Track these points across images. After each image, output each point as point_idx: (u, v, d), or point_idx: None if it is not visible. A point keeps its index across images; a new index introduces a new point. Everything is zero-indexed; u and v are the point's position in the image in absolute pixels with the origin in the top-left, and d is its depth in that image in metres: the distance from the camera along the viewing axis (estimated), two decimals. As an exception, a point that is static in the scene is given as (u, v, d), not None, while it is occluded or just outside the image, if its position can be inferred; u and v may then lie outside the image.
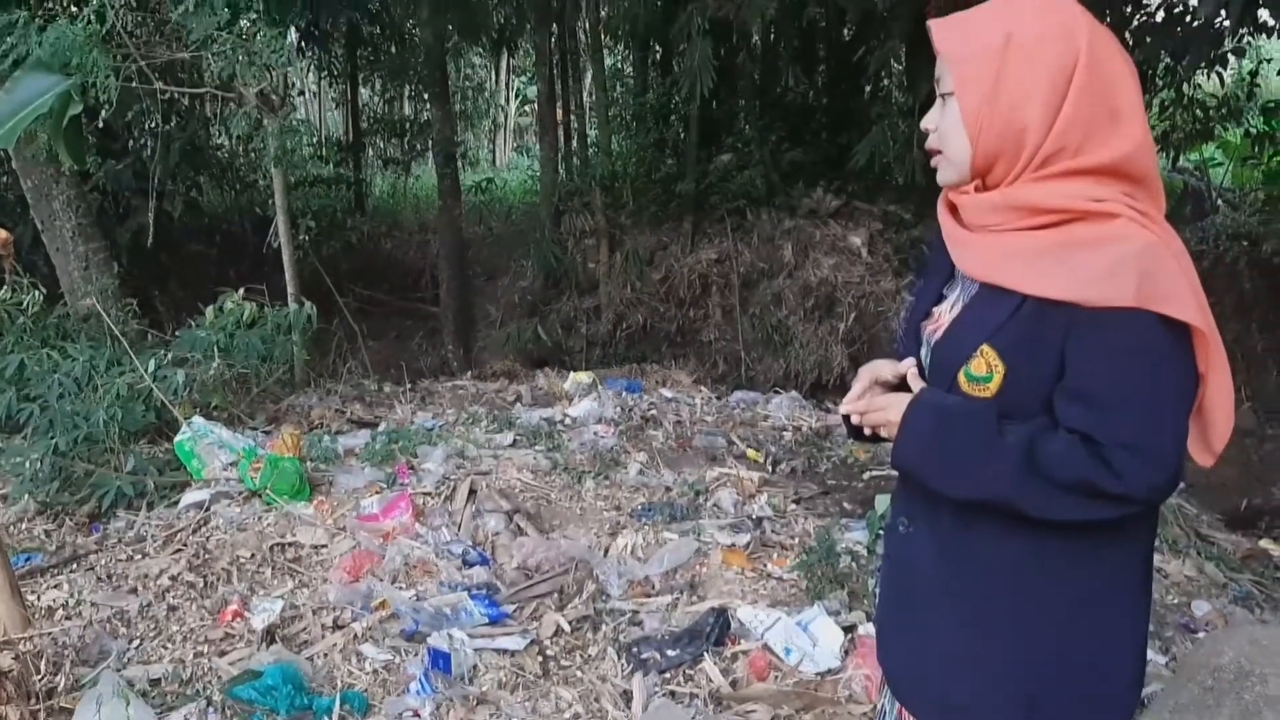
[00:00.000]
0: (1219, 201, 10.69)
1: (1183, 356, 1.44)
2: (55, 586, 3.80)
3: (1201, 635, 3.56)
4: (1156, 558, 4.34)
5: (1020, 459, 1.45)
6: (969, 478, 1.51)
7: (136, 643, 3.41)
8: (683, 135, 10.50)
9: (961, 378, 1.53)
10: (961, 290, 1.65)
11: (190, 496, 4.52)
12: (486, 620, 3.48)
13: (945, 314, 1.66)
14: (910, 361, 1.67)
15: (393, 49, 13.25)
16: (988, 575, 1.59)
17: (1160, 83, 8.49)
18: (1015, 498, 1.47)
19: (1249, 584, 4.44)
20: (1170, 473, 1.43)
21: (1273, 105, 8.61)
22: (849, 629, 3.42)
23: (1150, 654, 3.40)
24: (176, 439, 4.88)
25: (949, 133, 1.55)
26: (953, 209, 1.63)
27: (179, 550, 4.05)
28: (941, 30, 1.54)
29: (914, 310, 1.77)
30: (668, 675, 3.23)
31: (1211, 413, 1.51)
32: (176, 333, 6.14)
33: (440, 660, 3.14)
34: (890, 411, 1.61)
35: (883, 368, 1.71)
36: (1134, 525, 1.53)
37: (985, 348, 1.50)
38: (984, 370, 1.50)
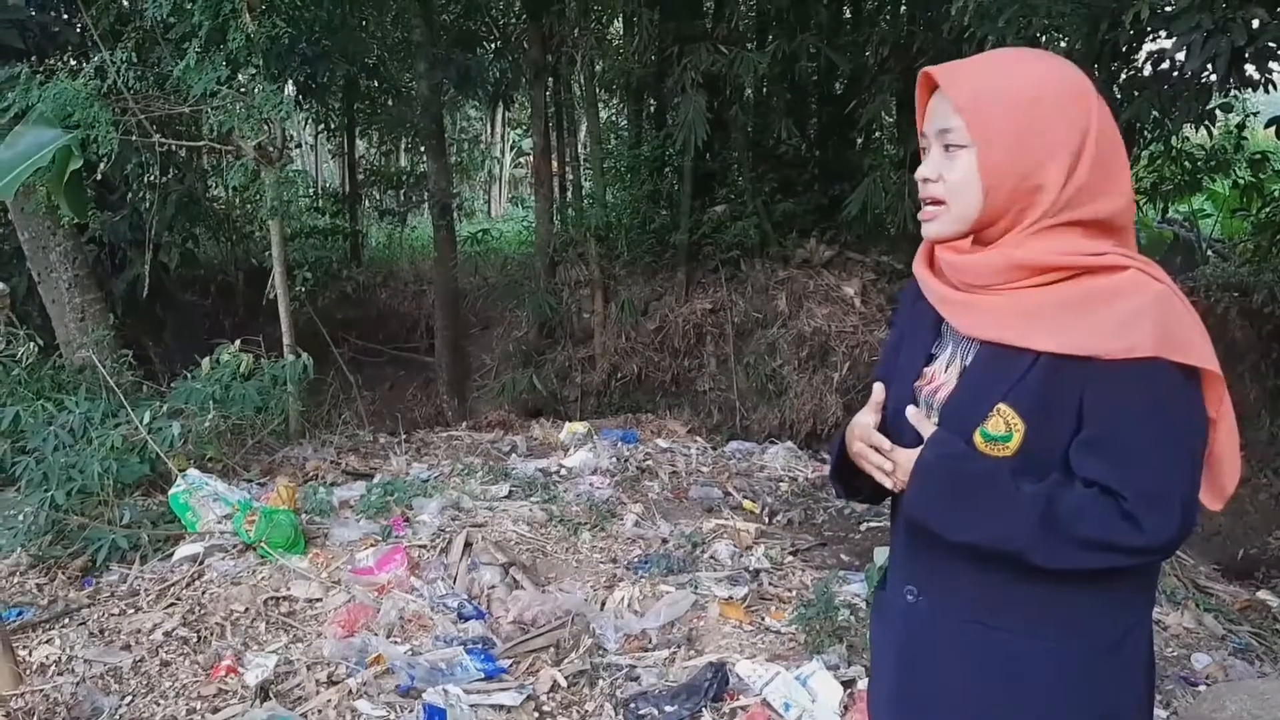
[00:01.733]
0: (1209, 252, 10.77)
1: (1196, 403, 1.46)
2: (47, 642, 3.75)
3: (1202, 688, 3.53)
4: (1155, 610, 4.34)
5: (1039, 512, 1.44)
6: (983, 529, 1.49)
7: (129, 699, 3.37)
8: (676, 186, 10.59)
9: (978, 438, 1.51)
10: (956, 349, 1.63)
11: (184, 550, 4.48)
12: (482, 675, 3.44)
13: (941, 374, 1.64)
14: (880, 389, 1.66)
15: (390, 102, 13.37)
16: (1016, 672, 1.55)
17: (1149, 136, 8.58)
18: (1030, 549, 1.46)
19: (1248, 635, 4.42)
20: (1189, 521, 1.43)
21: (1260, 157, 8.69)
22: (848, 684, 3.39)
23: (1151, 708, 3.38)
24: (171, 491, 4.86)
25: (960, 185, 1.52)
26: (931, 267, 1.64)
27: (172, 604, 4.01)
28: (950, 79, 1.53)
29: (899, 370, 1.71)
30: (666, 731, 3.20)
31: (1221, 457, 1.51)
32: (172, 384, 6.13)
33: (436, 717, 3.10)
34: (899, 460, 1.58)
35: (866, 417, 1.66)
36: (1154, 574, 1.59)
37: (1002, 406, 1.49)
38: (1003, 429, 1.49)
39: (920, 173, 1.59)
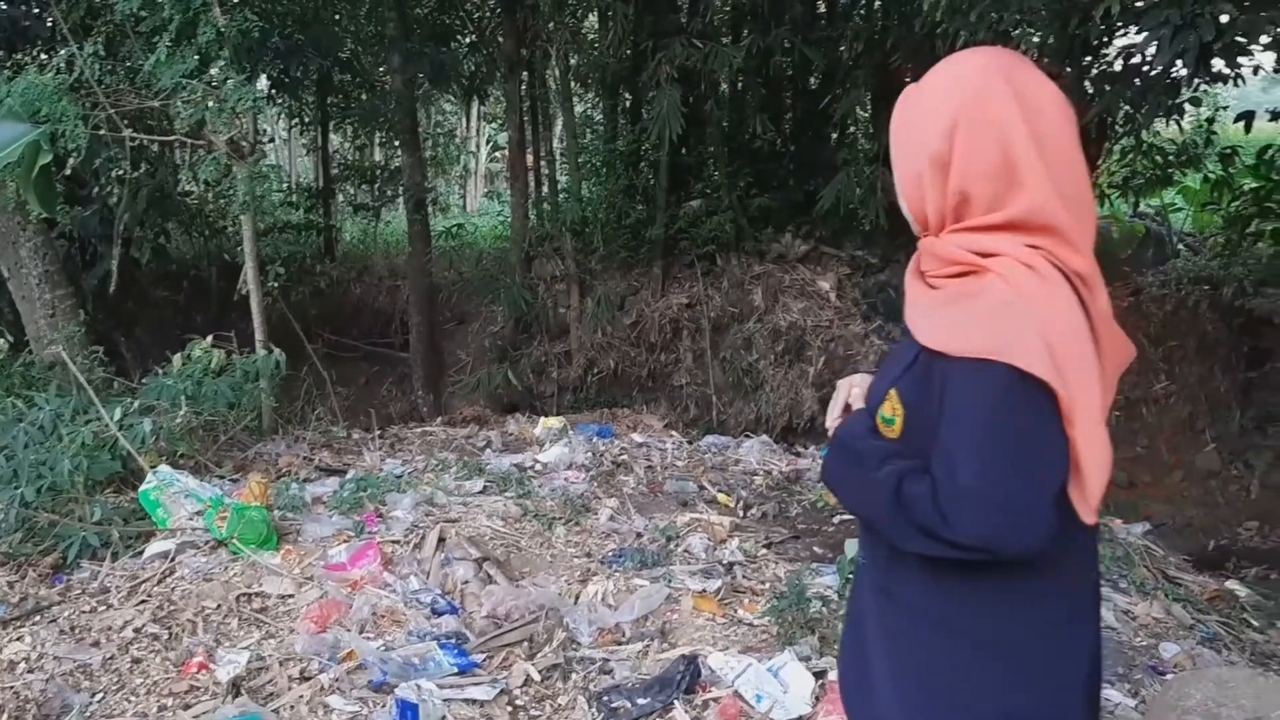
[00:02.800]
0: (1180, 246, 10.87)
1: (1035, 411, 1.43)
2: (17, 639, 3.72)
3: (1170, 677, 3.57)
4: (1124, 599, 4.38)
5: (889, 494, 1.52)
6: (855, 504, 1.69)
7: (100, 696, 3.35)
8: (652, 181, 10.60)
9: (878, 419, 1.64)
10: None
11: (155, 547, 4.46)
12: (455, 670, 3.44)
13: None
14: (858, 392, 1.79)
15: (363, 96, 13.31)
16: (909, 614, 1.63)
17: (1120, 130, 8.65)
18: (885, 528, 1.57)
19: (1216, 625, 4.46)
20: (1010, 528, 1.42)
21: (1229, 152, 8.77)
22: (819, 674, 3.41)
23: (1119, 696, 3.42)
24: (142, 488, 4.83)
25: (897, 190, 1.66)
26: None
27: (143, 601, 3.99)
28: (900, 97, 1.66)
29: None
30: (638, 724, 3.21)
31: (1084, 469, 1.48)
32: (143, 380, 6.09)
33: (408, 711, 3.10)
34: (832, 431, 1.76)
35: (858, 381, 1.82)
36: (1044, 574, 1.55)
37: (892, 392, 1.61)
38: (890, 413, 1.61)
39: None
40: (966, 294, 1.50)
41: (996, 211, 1.51)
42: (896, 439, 1.59)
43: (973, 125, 1.50)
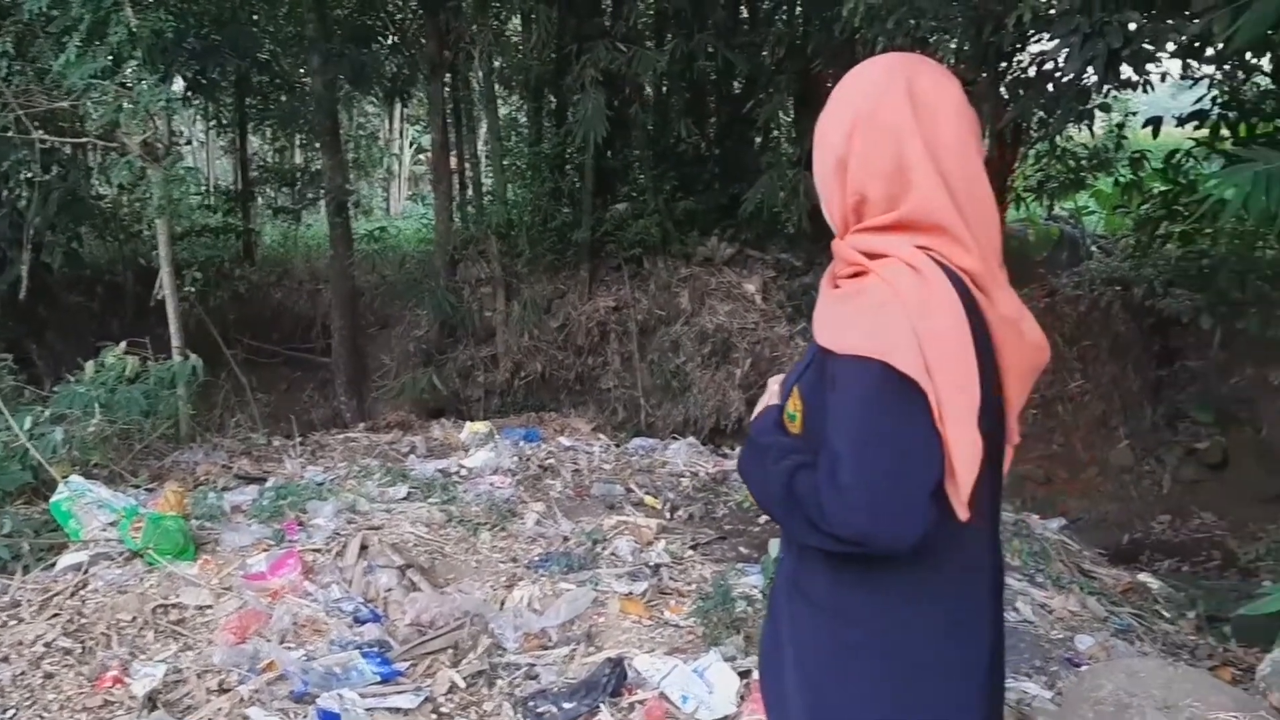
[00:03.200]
0: (1093, 248, 11.15)
1: (906, 408, 1.45)
2: (-79, 657, 3.60)
3: (1084, 668, 3.66)
4: (1040, 593, 4.49)
5: (783, 486, 1.57)
6: (761, 497, 1.70)
7: (11, 713, 3.25)
8: (578, 184, 10.59)
9: (784, 415, 1.69)
10: None
11: (68, 559, 4.33)
12: (378, 679, 3.40)
13: None
14: (774, 388, 1.81)
15: (283, 98, 13.10)
16: (813, 605, 1.66)
17: (1034, 135, 8.85)
18: (781, 520, 1.64)
19: (1129, 617, 4.59)
20: (881, 521, 1.45)
21: (1138, 156, 9.02)
22: (745, 674, 3.43)
23: (1036, 688, 3.50)
24: (53, 499, 4.69)
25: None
26: None
27: (55, 615, 3.88)
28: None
29: None
30: (565, 729, 3.20)
31: (954, 467, 1.50)
32: (54, 388, 5.92)
33: (330, 722, 3.06)
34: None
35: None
36: (931, 569, 1.58)
37: (794, 389, 1.67)
38: (792, 409, 1.66)
39: None
40: (852, 294, 1.55)
41: (890, 212, 1.55)
42: (799, 435, 1.64)
43: (868, 127, 1.55)
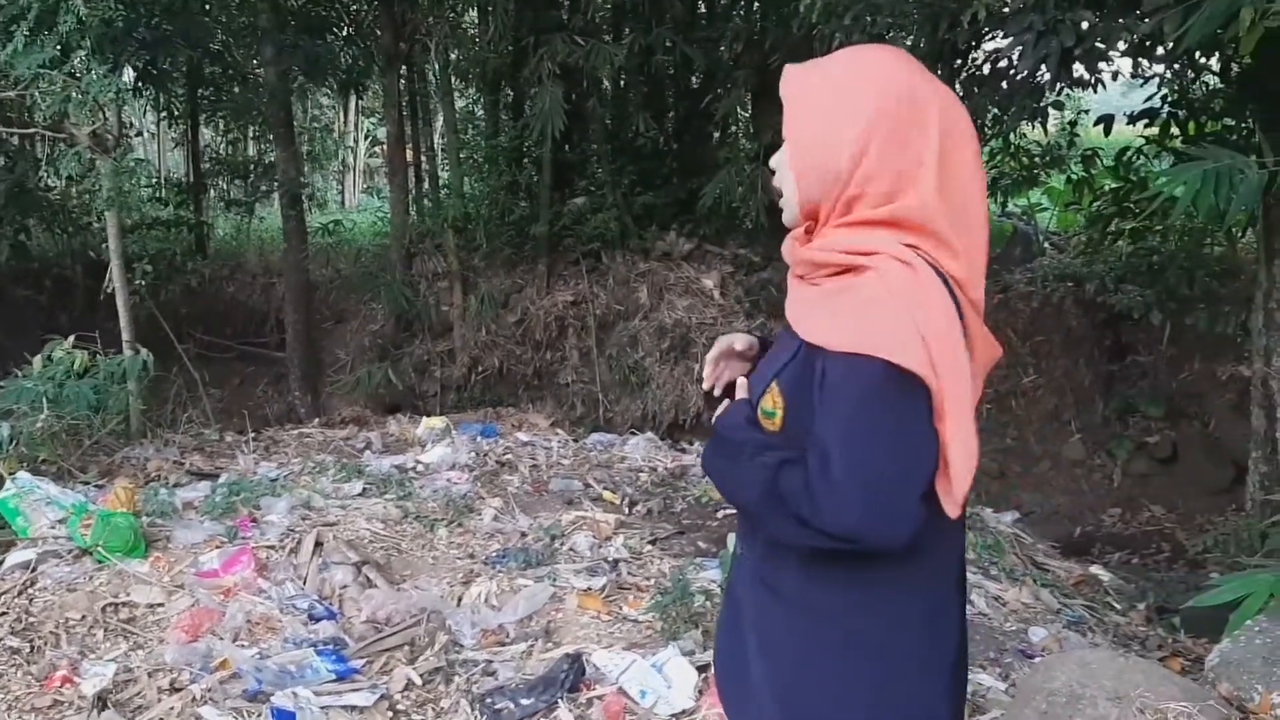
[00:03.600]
0: (1045, 244, 11.27)
1: (907, 405, 1.46)
2: None
3: (1038, 660, 3.70)
4: (994, 585, 4.53)
5: (764, 483, 1.53)
6: (732, 493, 1.68)
7: (-45, 715, 3.18)
8: (535, 178, 10.53)
9: (759, 411, 1.64)
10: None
11: (14, 557, 4.25)
12: (334, 676, 3.37)
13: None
14: (743, 382, 1.74)
15: (235, 89, 12.91)
16: (784, 603, 1.64)
17: (989, 132, 8.93)
18: (759, 516, 1.61)
19: (1081, 609, 4.65)
20: (878, 519, 1.45)
21: (1090, 153, 9.12)
22: (703, 668, 3.43)
23: (990, 680, 3.53)
24: (-1, 496, 4.61)
25: (783, 176, 1.63)
26: None
27: (2, 614, 3.81)
28: (789, 75, 1.62)
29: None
30: (522, 725, 3.19)
31: (951, 465, 1.50)
32: (1, 383, 5.81)
33: (285, 720, 3.02)
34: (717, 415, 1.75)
35: (736, 340, 1.85)
36: (912, 567, 1.58)
37: (773, 385, 1.62)
38: (770, 405, 1.62)
39: (770, 161, 1.68)
40: (845, 289, 1.52)
41: (883, 207, 1.52)
42: (777, 432, 1.60)
43: (893, 123, 1.50)
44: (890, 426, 1.46)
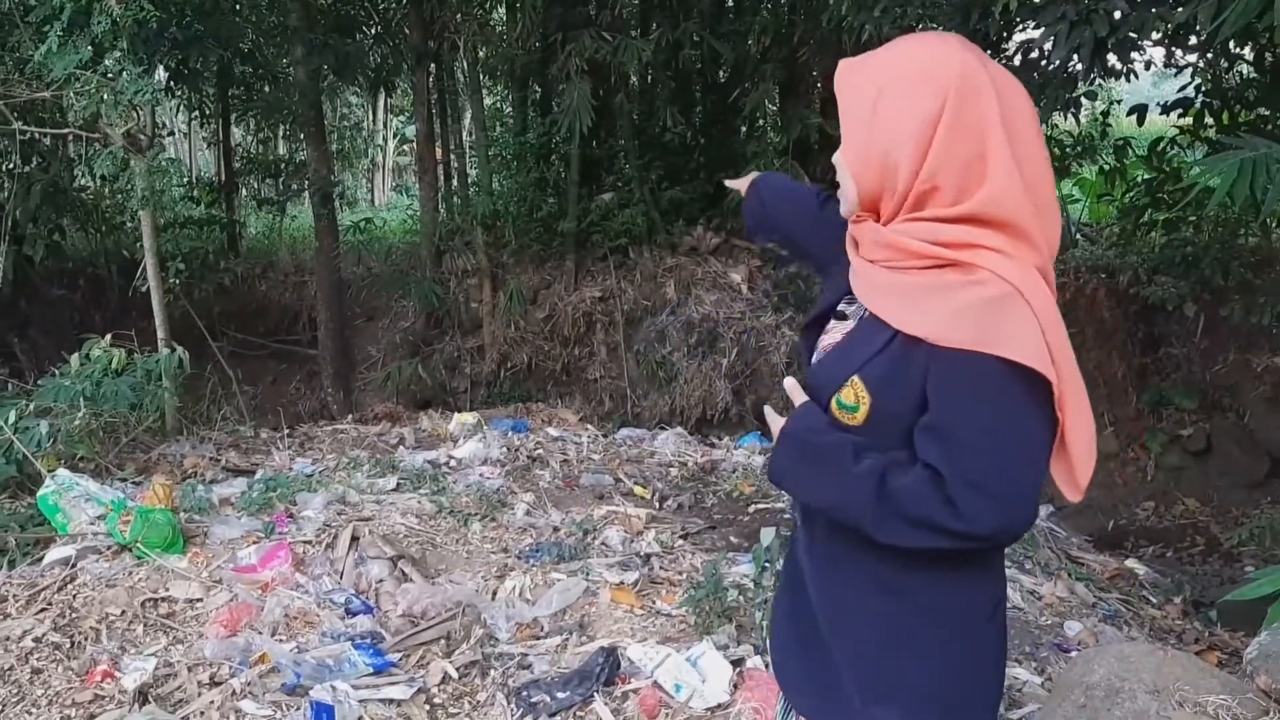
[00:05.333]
0: (1078, 236, 11.18)
1: (1030, 401, 1.46)
2: (-93, 653, 3.57)
3: (1074, 654, 3.68)
4: (1029, 580, 4.51)
5: (872, 490, 1.50)
6: (827, 498, 1.58)
7: (-2, 709, 3.24)
8: (563, 174, 10.55)
9: (834, 404, 1.58)
10: (856, 310, 1.68)
11: (55, 553, 4.31)
12: (371, 670, 3.39)
13: (836, 330, 1.71)
14: (791, 381, 1.70)
15: (266, 88, 13.02)
16: (849, 585, 1.65)
17: (1020, 123, 8.85)
18: (865, 522, 1.52)
19: (1117, 603, 4.62)
20: (1014, 514, 1.47)
21: (1123, 143, 9.04)
22: (737, 663, 3.43)
23: (1026, 674, 3.52)
24: (39, 493, 4.66)
25: (840, 170, 1.62)
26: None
27: (43, 610, 3.85)
28: (843, 69, 1.59)
29: (815, 311, 1.80)
30: (558, 718, 3.20)
31: (1072, 452, 1.53)
32: (39, 382, 5.88)
33: (324, 713, 3.05)
34: (773, 428, 1.68)
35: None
36: (981, 554, 1.59)
37: (855, 379, 1.55)
38: (852, 400, 1.56)
39: (834, 158, 1.66)
40: (956, 286, 1.47)
41: (960, 204, 1.49)
42: (860, 426, 1.56)
43: (960, 114, 1.47)
44: (1021, 425, 1.47)
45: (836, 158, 1.62)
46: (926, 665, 1.60)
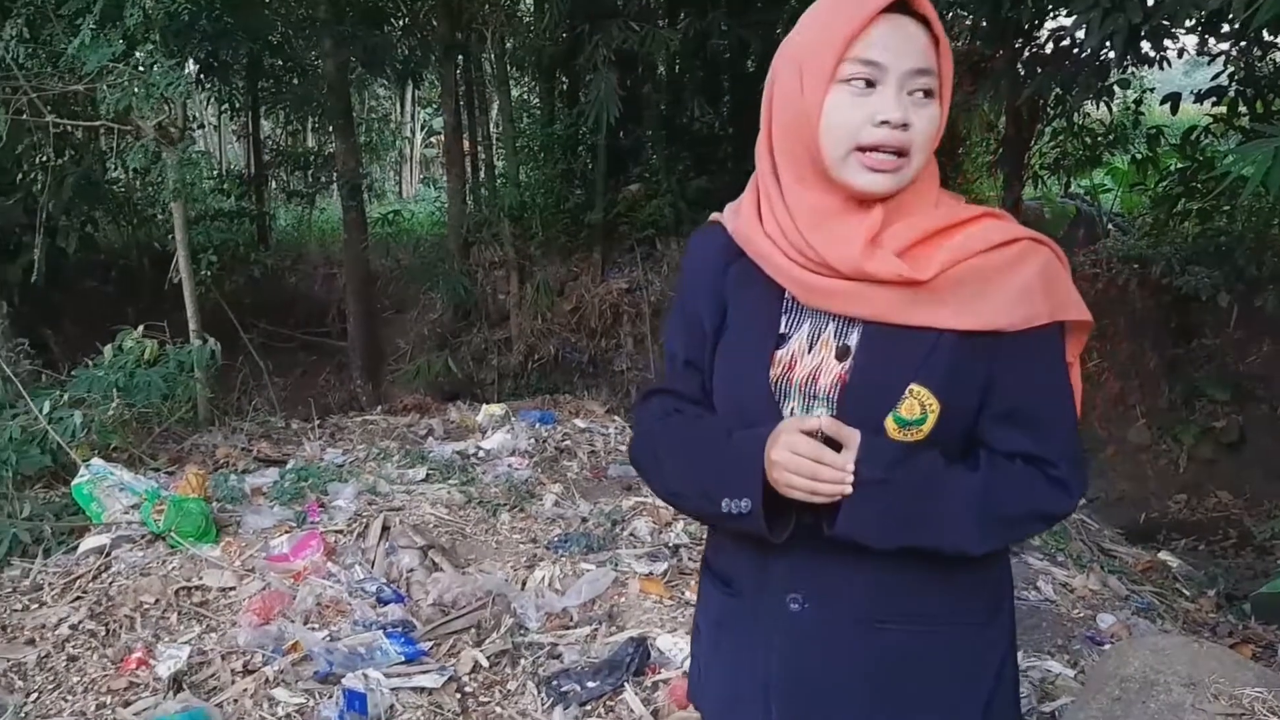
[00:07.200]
0: (1109, 226, 11.09)
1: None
2: (-55, 640, 3.63)
3: (1107, 647, 3.65)
4: (1061, 572, 4.49)
5: (977, 505, 1.36)
6: (920, 537, 1.37)
7: (34, 696, 3.27)
8: (590, 165, 10.57)
9: (890, 424, 1.36)
10: (818, 326, 1.45)
11: (90, 542, 4.35)
12: (402, 659, 3.41)
13: (804, 357, 1.44)
14: (817, 420, 1.36)
15: (295, 81, 13.09)
16: (908, 664, 1.47)
17: (1051, 112, 8.79)
18: (966, 544, 1.38)
19: (1150, 595, 4.59)
20: (1086, 480, 1.44)
21: (1155, 132, 8.95)
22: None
23: (1059, 667, 3.50)
24: (74, 482, 4.71)
25: (927, 140, 1.36)
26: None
27: (79, 598, 3.90)
28: (935, 17, 1.39)
29: (737, 356, 1.49)
30: (588, 708, 3.21)
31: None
32: (72, 372, 5.93)
33: (356, 701, 3.07)
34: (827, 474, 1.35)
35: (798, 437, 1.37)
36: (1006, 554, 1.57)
37: (915, 387, 1.35)
38: (917, 412, 1.35)
39: (893, 113, 1.32)
40: (999, 265, 1.35)
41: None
42: (922, 440, 1.37)
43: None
44: (1068, 380, 1.45)
45: (913, 116, 1.33)
46: (1012, 681, 1.57)
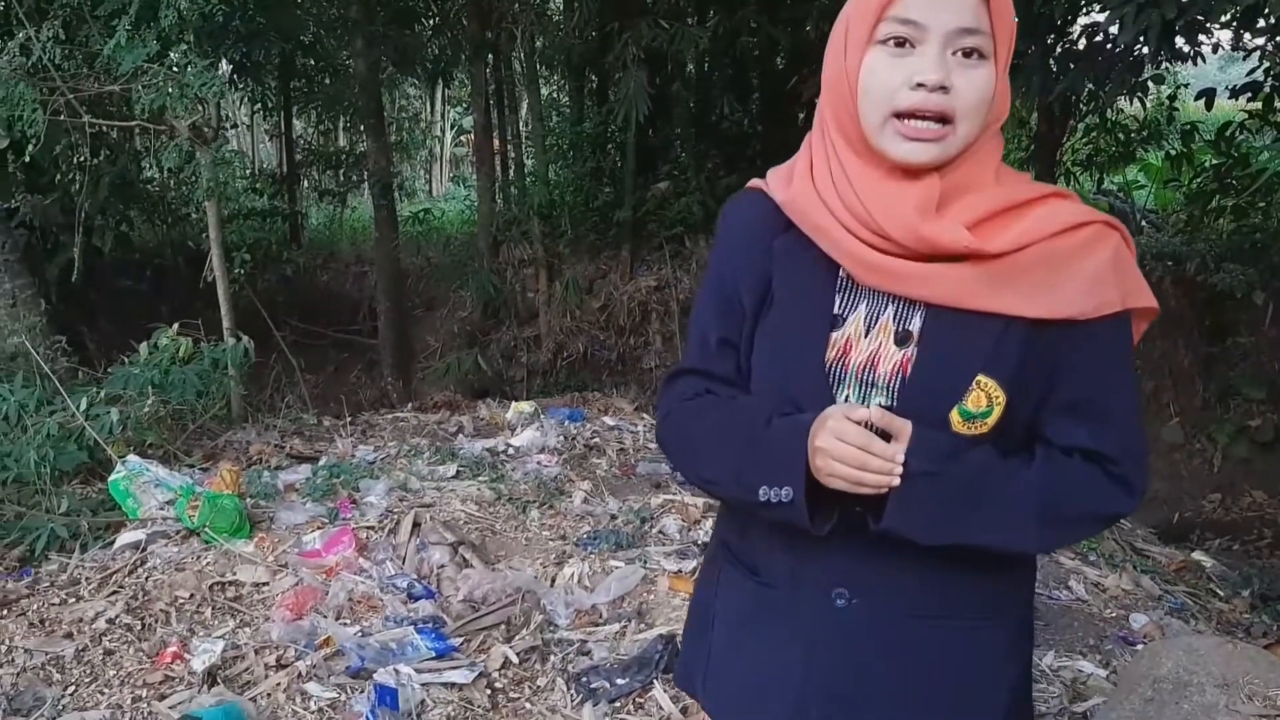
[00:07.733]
0: (1143, 223, 10.97)
1: None
2: (-15, 633, 3.68)
3: (1140, 647, 3.63)
4: (1093, 572, 4.46)
5: (1036, 504, 1.31)
6: (975, 535, 1.31)
7: (71, 689, 3.32)
8: (620, 163, 10.58)
9: (955, 416, 1.29)
10: (876, 308, 1.37)
11: (126, 537, 4.41)
12: (433, 654, 3.44)
13: (861, 341, 1.37)
14: (866, 410, 1.29)
15: (327, 80, 13.19)
16: (955, 659, 1.43)
17: (1084, 108, 8.71)
18: (1023, 542, 1.35)
19: (1183, 595, 4.55)
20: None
21: (1190, 128, 8.86)
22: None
23: (1091, 667, 3.48)
24: (111, 478, 4.77)
25: (977, 106, 1.26)
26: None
27: (115, 592, 3.95)
28: None
29: (784, 336, 1.41)
30: (618, 704, 3.22)
31: None
32: (109, 370, 6.01)
33: (387, 696, 3.09)
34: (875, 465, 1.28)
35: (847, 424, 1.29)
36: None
37: (982, 378, 1.28)
38: (983, 404, 1.29)
39: (930, 75, 1.23)
40: (1071, 251, 1.29)
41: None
42: (986, 434, 1.31)
43: None
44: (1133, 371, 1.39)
45: (959, 79, 1.25)
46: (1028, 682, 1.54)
